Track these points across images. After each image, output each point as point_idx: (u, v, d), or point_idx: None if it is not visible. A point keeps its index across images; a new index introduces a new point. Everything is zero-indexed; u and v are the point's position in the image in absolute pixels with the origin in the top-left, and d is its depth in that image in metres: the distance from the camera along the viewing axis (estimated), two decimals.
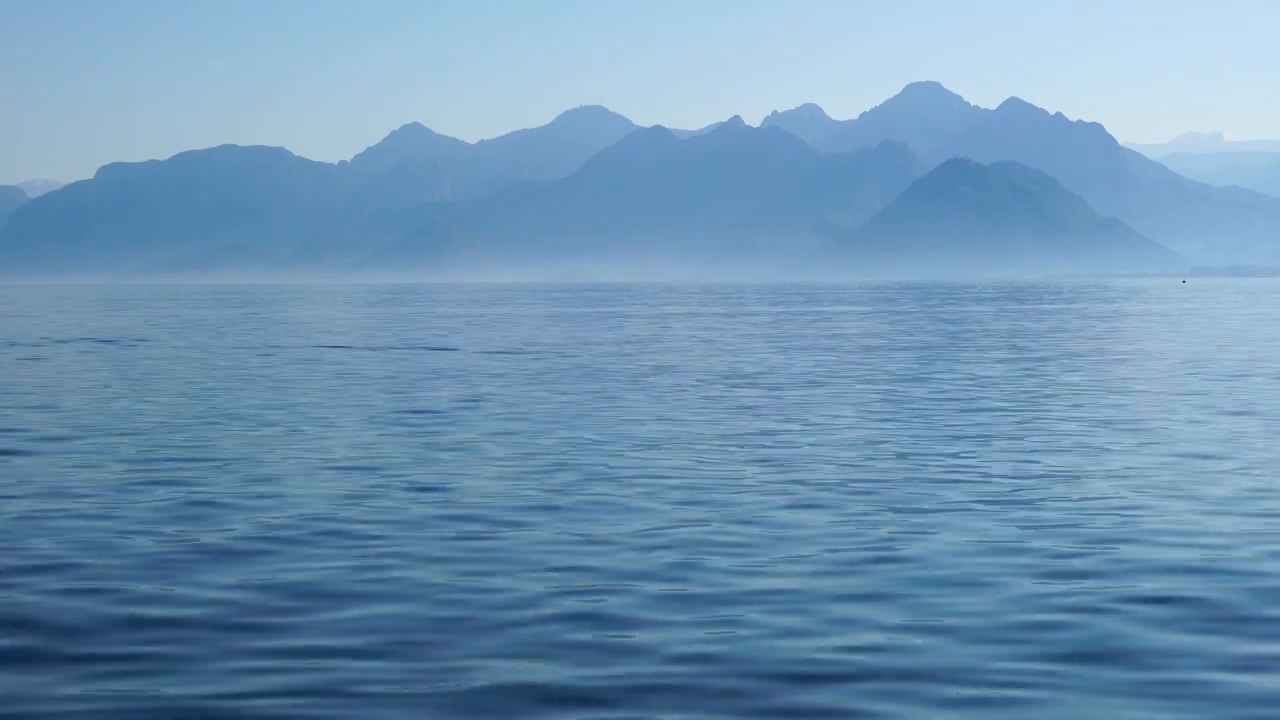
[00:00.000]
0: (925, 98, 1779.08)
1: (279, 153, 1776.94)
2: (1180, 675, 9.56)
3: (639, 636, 10.55)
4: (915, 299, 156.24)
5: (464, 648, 10.27)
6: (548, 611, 11.19)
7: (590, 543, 13.96)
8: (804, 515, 15.35)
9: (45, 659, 10.18)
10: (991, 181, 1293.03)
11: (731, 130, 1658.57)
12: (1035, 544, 13.76)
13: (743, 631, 10.64)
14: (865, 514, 15.43)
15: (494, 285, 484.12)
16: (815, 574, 12.47)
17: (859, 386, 33.92)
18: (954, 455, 20.41)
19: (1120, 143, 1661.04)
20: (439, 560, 13.15)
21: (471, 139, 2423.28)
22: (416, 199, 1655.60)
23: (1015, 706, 8.99)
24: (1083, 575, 12.37)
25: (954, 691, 9.29)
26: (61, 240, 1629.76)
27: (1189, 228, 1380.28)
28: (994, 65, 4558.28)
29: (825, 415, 26.53)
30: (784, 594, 11.74)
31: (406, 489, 17.40)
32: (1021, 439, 22.43)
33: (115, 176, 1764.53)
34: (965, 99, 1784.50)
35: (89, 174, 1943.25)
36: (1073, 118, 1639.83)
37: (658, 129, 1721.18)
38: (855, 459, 20.02)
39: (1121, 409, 27.59)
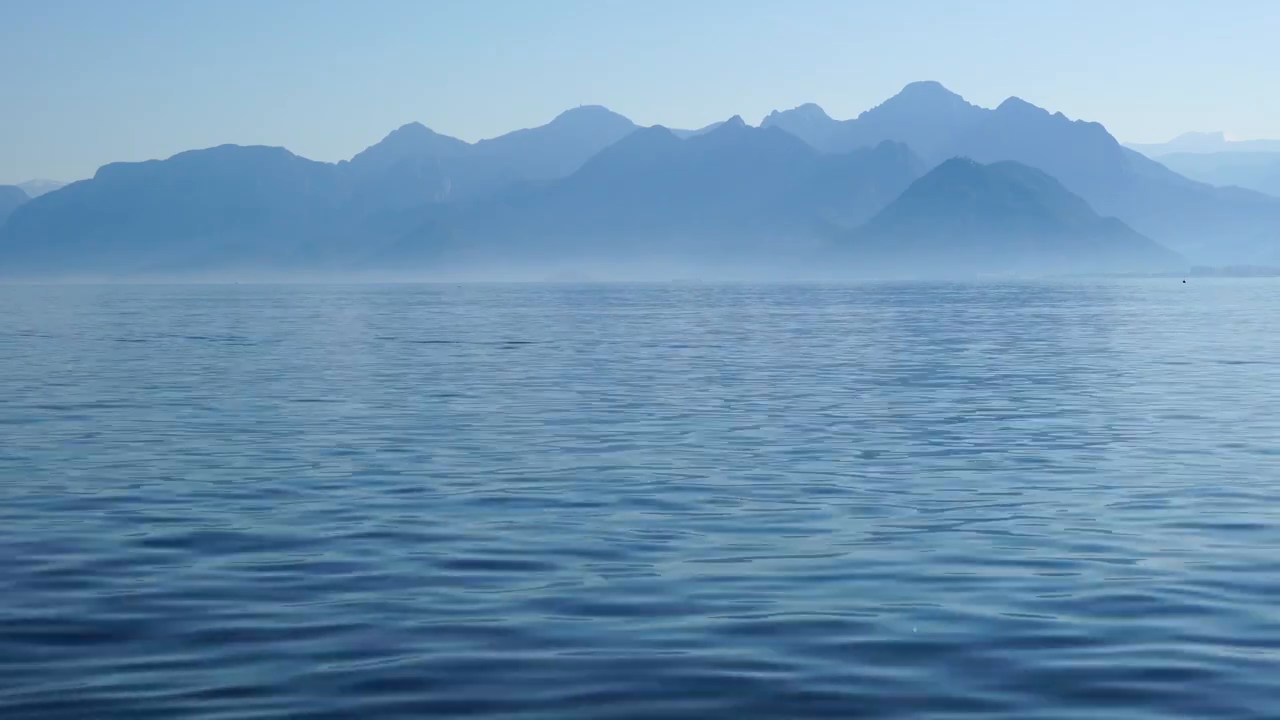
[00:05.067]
0: (925, 98, 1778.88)
1: (279, 153, 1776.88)
2: None
3: None
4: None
5: None
6: None
7: None
8: None
9: None
10: (991, 181, 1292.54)
11: (731, 130, 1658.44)
12: None
13: None
14: None
15: (502, 285, 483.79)
16: None
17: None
18: None
19: (1120, 143, 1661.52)
20: None
21: (471, 139, 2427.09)
22: (416, 199, 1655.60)
23: None
24: None
25: None
26: (61, 240, 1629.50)
27: (1189, 228, 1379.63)
28: (994, 65, 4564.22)
29: None
30: None
31: None
32: None
33: (115, 176, 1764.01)
34: (965, 99, 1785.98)
35: (89, 174, 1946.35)
36: (1073, 118, 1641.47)
37: (658, 129, 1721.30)
38: None
39: None
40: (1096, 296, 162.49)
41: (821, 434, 23.02)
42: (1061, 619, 10.66)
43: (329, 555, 13.17)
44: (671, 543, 13.69)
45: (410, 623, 10.68)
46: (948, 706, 8.87)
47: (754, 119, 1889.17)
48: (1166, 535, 14.01)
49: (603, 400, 29.89)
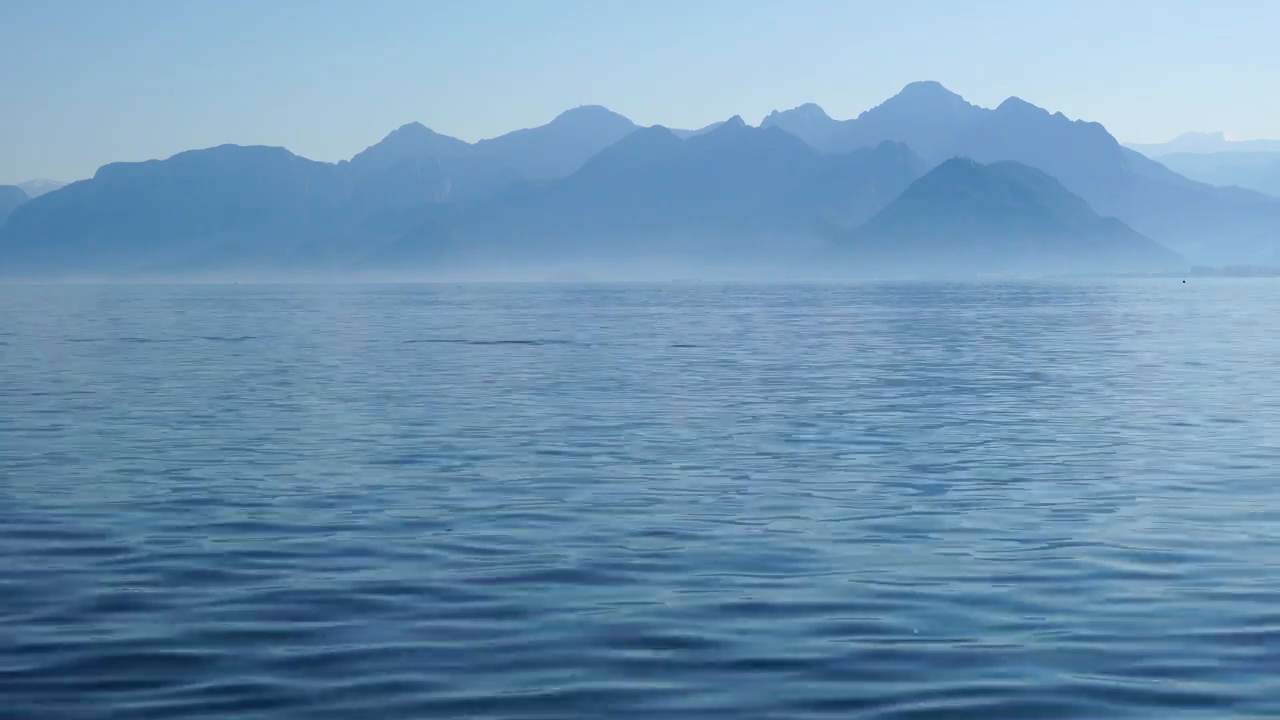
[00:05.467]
0: (925, 98, 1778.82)
1: (279, 153, 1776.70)
2: None
3: None
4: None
5: None
6: None
7: None
8: None
9: None
10: (991, 181, 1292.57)
11: (731, 130, 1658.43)
12: None
13: None
14: None
15: (505, 285, 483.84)
16: None
17: None
18: None
19: (1120, 143, 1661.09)
20: None
21: (471, 139, 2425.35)
22: (416, 199, 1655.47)
23: None
24: None
25: None
26: (61, 240, 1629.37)
27: (1189, 228, 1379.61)
28: (994, 65, 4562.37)
29: None
30: None
31: None
32: None
33: (115, 176, 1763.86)
34: (965, 99, 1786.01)
35: (89, 174, 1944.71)
36: (1073, 118, 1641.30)
37: (658, 129, 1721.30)
38: None
39: None
40: (1106, 297, 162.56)
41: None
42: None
43: None
44: None
45: None
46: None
47: (754, 119, 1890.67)
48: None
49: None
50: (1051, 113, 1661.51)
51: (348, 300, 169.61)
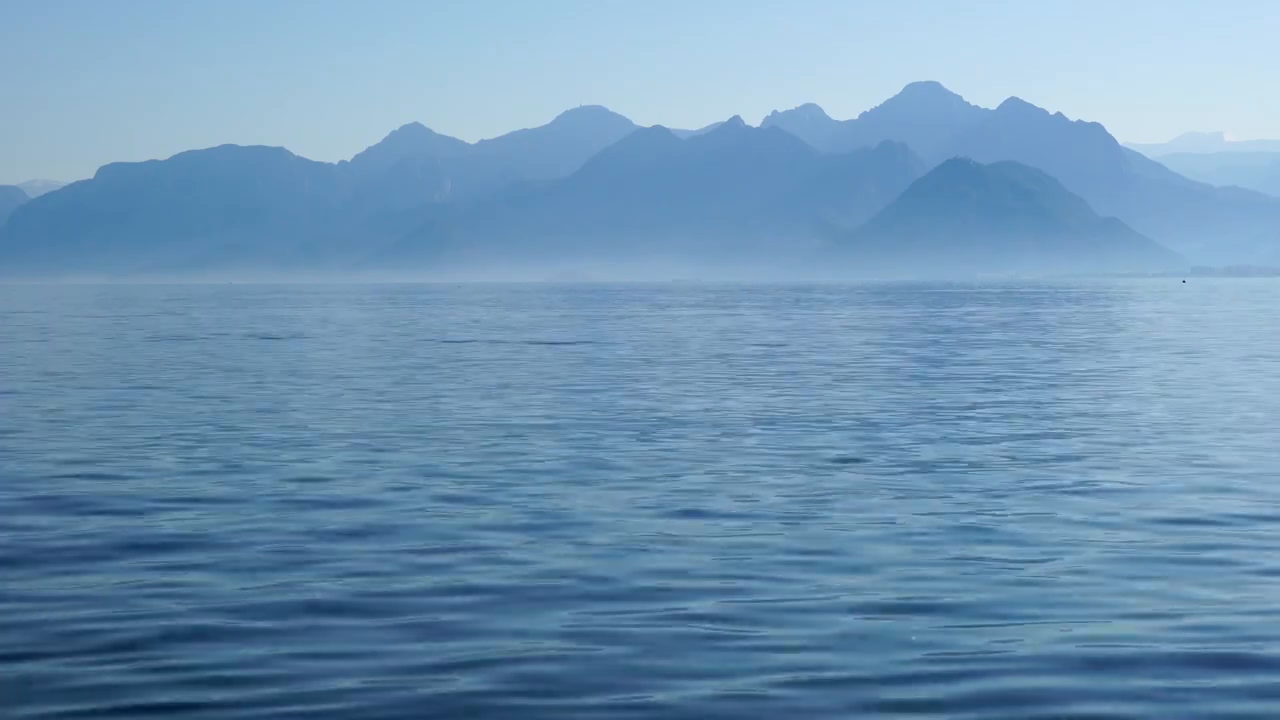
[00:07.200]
0: (925, 98, 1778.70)
1: (279, 153, 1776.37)
2: None
3: None
4: None
5: None
6: None
7: None
8: None
9: None
10: (991, 181, 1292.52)
11: (731, 130, 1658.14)
12: None
13: None
14: None
15: (506, 285, 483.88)
16: None
17: None
18: None
19: (1120, 143, 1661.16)
20: None
21: (471, 139, 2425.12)
22: (416, 199, 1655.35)
23: None
24: None
25: None
26: (61, 240, 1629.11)
27: (1189, 228, 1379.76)
28: (994, 65, 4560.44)
29: None
30: None
31: None
32: None
33: (115, 176, 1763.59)
34: (965, 99, 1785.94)
35: (89, 174, 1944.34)
36: (1073, 118, 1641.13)
37: (658, 129, 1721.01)
38: None
39: None
40: (1126, 296, 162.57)
41: None
42: None
43: None
44: None
45: None
46: None
47: (754, 119, 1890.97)
48: None
49: None
50: (1051, 113, 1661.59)
51: (384, 300, 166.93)
